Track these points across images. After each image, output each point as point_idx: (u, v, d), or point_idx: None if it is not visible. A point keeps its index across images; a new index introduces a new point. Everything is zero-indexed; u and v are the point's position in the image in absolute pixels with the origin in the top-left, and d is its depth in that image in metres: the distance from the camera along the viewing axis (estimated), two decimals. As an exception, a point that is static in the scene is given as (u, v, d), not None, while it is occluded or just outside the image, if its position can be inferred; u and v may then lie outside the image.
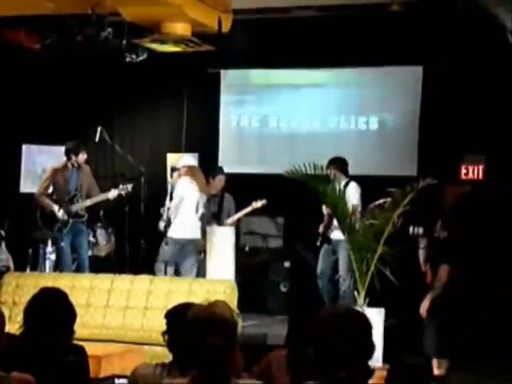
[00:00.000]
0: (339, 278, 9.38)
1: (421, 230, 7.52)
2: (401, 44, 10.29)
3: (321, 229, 9.47)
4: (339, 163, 9.39)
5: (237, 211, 10.03)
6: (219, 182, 9.85)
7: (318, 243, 9.55)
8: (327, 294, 9.49)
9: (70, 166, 9.81)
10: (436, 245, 7.33)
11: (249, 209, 9.84)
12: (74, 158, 9.79)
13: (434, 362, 6.97)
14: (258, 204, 9.79)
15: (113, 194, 9.65)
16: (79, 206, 9.72)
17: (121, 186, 9.69)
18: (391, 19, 10.00)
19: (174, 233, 9.23)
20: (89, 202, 9.77)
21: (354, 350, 2.96)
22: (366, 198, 8.73)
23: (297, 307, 9.51)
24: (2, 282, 8.49)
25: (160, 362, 3.69)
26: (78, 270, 9.54)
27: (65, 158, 9.86)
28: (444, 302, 6.92)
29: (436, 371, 6.90)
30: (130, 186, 9.71)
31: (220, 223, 9.75)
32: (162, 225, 9.48)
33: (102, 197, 9.76)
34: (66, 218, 9.61)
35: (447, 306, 6.92)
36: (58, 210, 9.63)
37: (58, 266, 9.75)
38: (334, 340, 2.95)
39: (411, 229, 7.52)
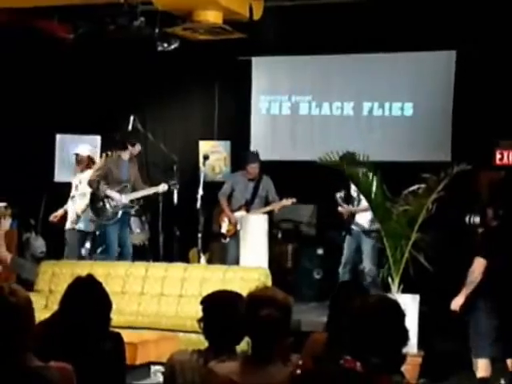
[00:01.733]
0: (363, 270, 9.36)
1: (477, 219, 7.42)
2: (434, 29, 10.19)
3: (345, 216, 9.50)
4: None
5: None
6: (252, 169, 9.80)
7: (344, 233, 9.57)
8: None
9: (124, 156, 9.83)
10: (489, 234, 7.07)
11: (277, 206, 9.75)
12: (130, 148, 9.82)
13: (478, 363, 6.51)
14: (287, 202, 9.72)
15: (163, 187, 9.65)
16: (131, 196, 9.75)
17: (171, 182, 9.69)
18: (424, 4, 9.91)
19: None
20: (140, 194, 9.76)
21: (387, 337, 2.99)
22: (399, 184, 8.67)
23: (325, 293, 9.51)
24: (38, 270, 8.58)
25: (196, 349, 3.70)
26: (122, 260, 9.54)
27: (117, 147, 9.88)
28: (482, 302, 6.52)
29: (479, 373, 6.46)
30: (176, 183, 9.73)
31: (249, 208, 9.72)
32: None
33: (152, 190, 9.76)
34: (124, 203, 9.64)
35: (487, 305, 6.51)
36: (120, 196, 9.65)
37: (105, 254, 9.78)
38: (368, 328, 2.99)
39: (467, 218, 7.44)
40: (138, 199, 9.80)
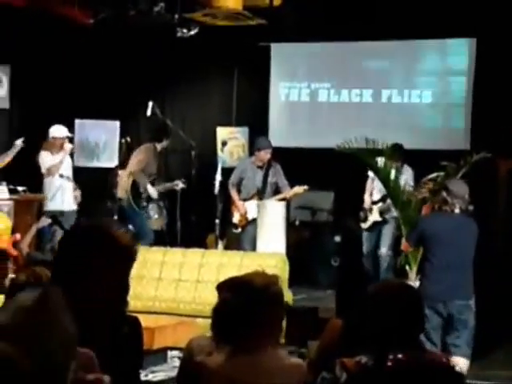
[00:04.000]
0: (381, 255, 9.38)
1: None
2: (454, 16, 10.10)
3: (362, 214, 9.49)
4: (401, 152, 9.21)
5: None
6: (264, 154, 9.68)
7: (363, 226, 9.57)
8: (374, 272, 9.48)
9: (158, 148, 9.91)
10: None
11: (290, 194, 9.65)
12: (165, 141, 9.90)
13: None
14: (300, 189, 9.63)
15: (181, 185, 9.78)
16: (160, 188, 9.90)
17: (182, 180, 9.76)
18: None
19: None
20: (162, 189, 9.93)
21: (405, 324, 2.96)
22: (418, 171, 8.61)
23: (344, 281, 9.49)
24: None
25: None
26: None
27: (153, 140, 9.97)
28: None
29: None
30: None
31: (262, 196, 9.65)
32: None
33: (168, 186, 9.93)
34: (155, 196, 9.76)
35: None
36: (153, 187, 9.80)
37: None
38: (386, 315, 2.95)
39: None
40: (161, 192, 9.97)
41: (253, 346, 3.11)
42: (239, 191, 9.77)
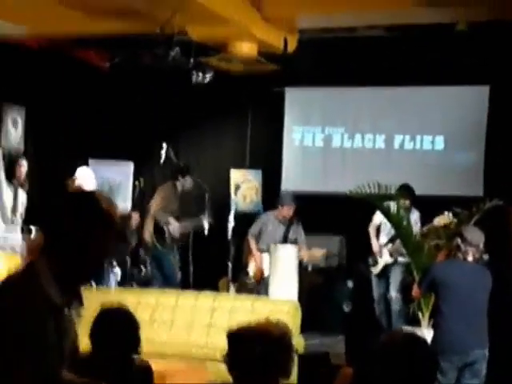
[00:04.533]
0: (391, 299, 9.38)
1: None
2: (468, 63, 10.19)
3: (372, 259, 9.54)
4: (410, 192, 9.27)
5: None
6: (287, 210, 9.64)
7: (374, 271, 9.60)
8: (386, 317, 9.48)
9: (178, 186, 10.01)
10: None
11: (307, 256, 9.63)
12: (181, 179, 10.01)
13: None
14: (318, 253, 9.67)
15: (206, 223, 9.74)
16: (187, 224, 9.92)
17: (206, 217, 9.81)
18: (457, 38, 9.91)
19: None
20: (190, 226, 9.93)
21: (415, 376, 2.97)
22: (431, 217, 8.63)
23: (353, 327, 9.48)
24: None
25: (225, 382, 3.68)
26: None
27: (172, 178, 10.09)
28: None
29: None
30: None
31: None
32: None
33: (194, 222, 9.90)
34: (177, 235, 9.86)
35: None
36: (176, 224, 9.86)
37: (165, 282, 9.89)
38: (395, 367, 2.97)
39: None
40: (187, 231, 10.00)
41: None
42: (258, 242, 9.75)
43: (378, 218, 9.42)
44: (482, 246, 6.05)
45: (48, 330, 2.57)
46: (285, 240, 9.56)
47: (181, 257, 10.53)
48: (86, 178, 9.71)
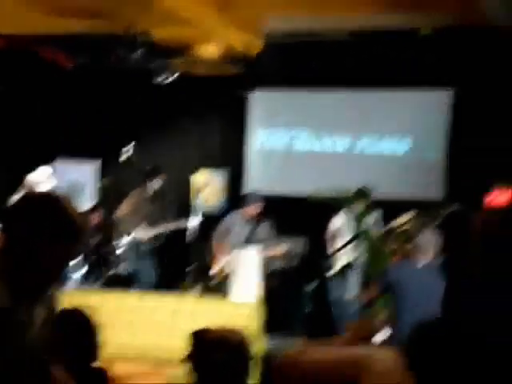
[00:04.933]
0: (348, 301, 9.45)
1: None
2: (432, 67, 10.30)
3: (327, 263, 9.62)
4: (369, 195, 9.36)
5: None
6: (254, 209, 9.64)
7: (331, 273, 9.68)
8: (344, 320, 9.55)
9: (149, 189, 10.02)
10: None
11: (270, 254, 9.69)
12: (151, 181, 10.01)
13: None
14: (280, 250, 9.72)
15: (184, 224, 9.74)
16: (154, 231, 9.95)
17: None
18: (421, 43, 10.00)
19: None
20: (162, 229, 9.95)
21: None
22: (392, 221, 8.71)
23: (314, 328, 9.55)
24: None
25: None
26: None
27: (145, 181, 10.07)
28: None
29: None
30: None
31: None
32: None
33: (173, 225, 9.90)
34: (145, 239, 9.88)
35: None
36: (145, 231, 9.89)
37: (131, 284, 9.90)
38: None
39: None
40: (161, 234, 10.01)
41: None
42: (224, 243, 9.75)
43: (338, 221, 9.51)
44: (435, 248, 6.15)
45: None
46: (251, 239, 9.58)
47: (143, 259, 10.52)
48: (42, 178, 9.60)
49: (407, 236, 6.96)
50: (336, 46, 10.39)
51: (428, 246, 6.09)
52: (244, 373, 3.40)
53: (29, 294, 2.69)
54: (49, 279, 2.74)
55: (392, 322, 6.20)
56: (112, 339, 7.36)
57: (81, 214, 2.74)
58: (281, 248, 9.62)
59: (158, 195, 10.04)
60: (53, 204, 2.66)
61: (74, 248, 2.69)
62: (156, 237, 9.96)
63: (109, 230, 10.20)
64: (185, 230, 9.62)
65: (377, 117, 11.34)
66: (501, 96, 10.04)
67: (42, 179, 9.52)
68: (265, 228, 9.66)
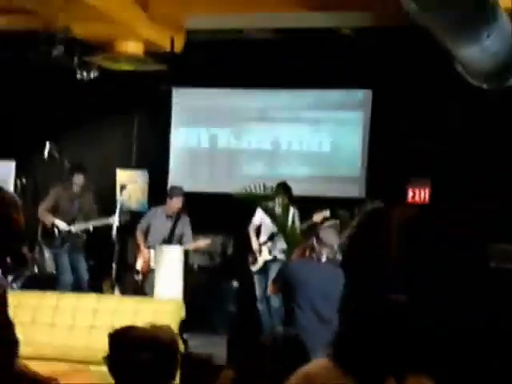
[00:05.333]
0: (270, 296, 9.51)
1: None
2: (352, 67, 10.45)
3: (252, 257, 9.67)
4: (288, 190, 9.43)
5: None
6: (176, 202, 9.70)
7: (253, 269, 9.74)
8: (269, 316, 9.59)
9: (72, 185, 9.90)
10: None
11: (192, 247, 9.73)
12: (74, 177, 9.89)
13: None
14: (202, 243, 9.75)
15: (113, 220, 9.61)
16: (80, 226, 9.81)
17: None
18: (342, 42, 10.14)
19: None
20: (89, 225, 9.82)
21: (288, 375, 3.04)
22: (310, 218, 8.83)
23: (237, 327, 9.57)
24: None
25: (105, 384, 3.65)
26: (76, 288, 9.58)
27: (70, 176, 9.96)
28: None
29: None
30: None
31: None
32: None
33: (103, 221, 9.75)
34: (68, 232, 9.74)
35: None
36: (67, 225, 9.77)
37: (57, 281, 9.75)
38: (272, 367, 3.02)
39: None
40: (87, 229, 9.86)
41: None
42: (146, 237, 9.75)
43: (258, 217, 9.59)
44: (336, 246, 6.24)
45: None
46: (172, 234, 9.59)
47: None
48: None
49: (312, 231, 7.05)
50: (259, 44, 10.47)
51: (329, 242, 6.17)
52: (172, 373, 3.27)
53: None
54: None
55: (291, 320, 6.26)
56: (31, 339, 7.29)
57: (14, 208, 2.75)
58: (202, 241, 9.65)
59: (81, 192, 9.93)
60: None
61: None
62: (80, 233, 9.86)
63: (29, 229, 10.04)
64: (109, 227, 9.54)
65: (298, 115, 11.44)
66: (418, 95, 10.25)
67: None
68: (185, 222, 9.66)
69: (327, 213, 8.46)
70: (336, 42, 10.10)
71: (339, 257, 6.36)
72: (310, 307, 6.06)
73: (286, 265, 6.60)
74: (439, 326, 3.32)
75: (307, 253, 6.30)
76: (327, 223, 8.17)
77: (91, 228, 9.83)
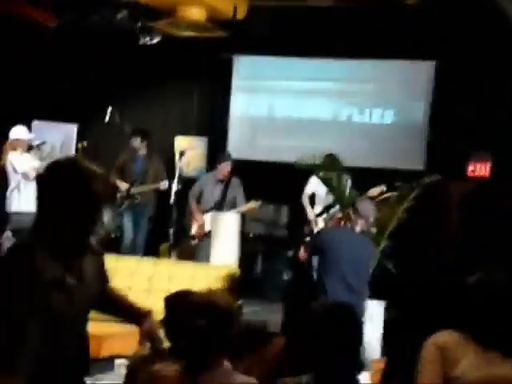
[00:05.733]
0: None
1: None
2: (415, 38, 10.28)
3: (307, 228, 9.64)
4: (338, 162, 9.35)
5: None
6: (225, 167, 9.80)
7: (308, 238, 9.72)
8: None
9: (140, 150, 10.13)
10: None
11: (244, 209, 9.78)
12: (137, 142, 10.10)
13: None
14: (254, 205, 9.77)
15: (164, 185, 9.81)
16: (138, 189, 9.99)
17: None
18: (406, 13, 9.99)
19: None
20: (143, 188, 10.02)
21: (342, 346, 3.02)
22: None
23: (293, 296, 9.57)
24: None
25: (160, 347, 3.67)
26: (133, 251, 9.82)
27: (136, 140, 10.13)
28: None
29: None
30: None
31: (220, 209, 9.73)
32: None
33: (152, 186, 9.98)
34: (128, 194, 9.96)
35: None
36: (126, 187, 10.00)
37: (116, 242, 10.01)
38: (323, 336, 3.01)
39: None
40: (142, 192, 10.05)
41: (210, 362, 3.20)
42: (199, 203, 9.85)
43: (311, 187, 9.56)
44: (372, 218, 6.23)
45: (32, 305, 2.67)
46: (223, 198, 9.69)
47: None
48: (20, 136, 9.56)
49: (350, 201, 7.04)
50: (321, 12, 10.36)
51: (365, 213, 6.18)
52: (228, 339, 3.23)
53: (72, 260, 2.90)
54: (84, 236, 2.95)
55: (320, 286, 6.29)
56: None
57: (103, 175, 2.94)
58: (253, 203, 9.69)
59: (147, 155, 10.04)
60: (75, 168, 2.85)
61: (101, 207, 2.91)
62: (138, 195, 9.99)
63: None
64: (168, 192, 9.64)
65: (361, 86, 11.32)
66: (483, 68, 10.05)
67: (23, 136, 9.49)
68: (236, 186, 9.75)
69: (384, 188, 8.41)
70: (400, 11, 9.95)
71: (374, 229, 6.36)
72: (339, 275, 6.10)
73: (318, 232, 6.62)
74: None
75: (343, 223, 6.32)
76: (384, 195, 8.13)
77: (146, 192, 9.96)
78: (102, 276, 3.23)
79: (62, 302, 2.80)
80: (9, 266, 2.76)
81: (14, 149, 9.36)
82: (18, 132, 9.50)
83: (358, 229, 6.20)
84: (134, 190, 10.02)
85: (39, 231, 2.84)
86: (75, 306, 2.89)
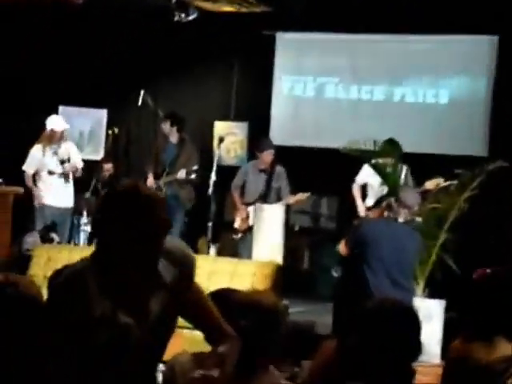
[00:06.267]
0: None
1: None
2: (476, 12, 10.13)
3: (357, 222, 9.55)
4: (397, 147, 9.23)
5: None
6: (267, 156, 9.76)
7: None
8: None
9: (171, 138, 10.13)
10: None
11: (292, 200, 9.74)
12: (171, 129, 10.11)
13: None
14: (302, 196, 9.71)
15: (180, 174, 9.81)
16: (165, 179, 10.01)
17: (192, 168, 9.78)
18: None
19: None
20: (168, 179, 10.02)
21: (397, 348, 2.96)
22: (429, 177, 8.64)
23: (343, 295, 9.52)
24: (33, 253, 8.59)
25: (199, 352, 3.68)
26: None
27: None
28: None
29: None
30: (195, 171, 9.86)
31: (265, 201, 9.70)
32: None
33: (173, 176, 9.98)
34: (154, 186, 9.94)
35: None
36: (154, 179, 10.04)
37: None
38: (377, 337, 2.96)
39: None
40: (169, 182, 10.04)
41: (256, 367, 3.21)
42: (242, 194, 9.83)
43: (362, 177, 9.41)
44: (416, 207, 6.19)
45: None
46: (268, 189, 9.62)
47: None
48: (57, 125, 9.71)
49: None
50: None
51: (408, 203, 6.14)
52: (274, 341, 3.25)
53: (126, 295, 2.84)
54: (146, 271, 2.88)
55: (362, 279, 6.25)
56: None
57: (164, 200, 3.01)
58: (302, 195, 9.63)
59: (179, 142, 10.06)
60: (140, 202, 2.82)
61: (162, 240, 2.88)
62: (163, 186, 10.00)
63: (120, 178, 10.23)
64: (206, 182, 9.63)
65: (416, 64, 11.19)
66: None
67: (59, 125, 9.66)
68: (280, 175, 9.69)
69: (441, 180, 8.30)
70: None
71: (418, 219, 6.31)
72: (382, 268, 6.09)
73: (359, 224, 6.60)
74: None
75: (385, 213, 6.29)
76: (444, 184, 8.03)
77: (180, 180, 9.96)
78: (170, 319, 3.01)
79: (110, 344, 2.76)
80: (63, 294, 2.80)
81: (51, 139, 9.57)
82: (55, 122, 9.68)
83: (401, 219, 6.18)
84: (160, 182, 10.00)
85: (97, 260, 2.84)
86: (130, 350, 2.82)
